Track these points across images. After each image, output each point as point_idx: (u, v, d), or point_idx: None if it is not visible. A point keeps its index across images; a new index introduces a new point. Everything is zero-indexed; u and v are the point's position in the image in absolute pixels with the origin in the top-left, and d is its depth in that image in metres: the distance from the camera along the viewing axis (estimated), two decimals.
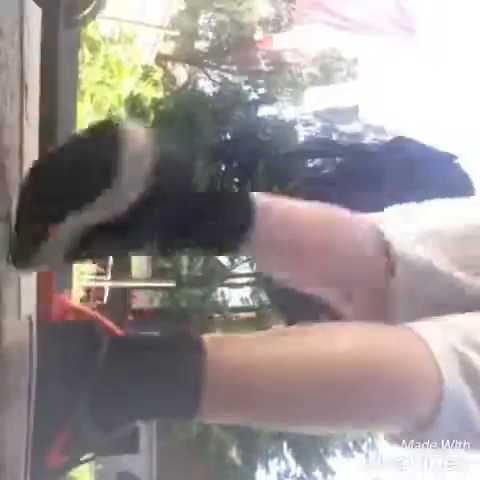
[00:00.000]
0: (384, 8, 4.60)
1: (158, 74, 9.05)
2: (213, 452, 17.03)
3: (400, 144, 4.15)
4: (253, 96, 19.65)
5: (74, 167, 0.92)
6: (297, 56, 18.00)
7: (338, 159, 4.52)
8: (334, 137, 18.87)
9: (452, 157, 4.27)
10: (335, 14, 4.57)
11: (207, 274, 17.80)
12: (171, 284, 12.89)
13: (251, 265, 18.56)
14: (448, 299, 1.09)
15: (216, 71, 20.30)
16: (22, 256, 0.97)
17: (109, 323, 1.64)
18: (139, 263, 18.93)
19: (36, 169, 0.98)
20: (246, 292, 18.18)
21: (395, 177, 4.12)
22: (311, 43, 4.86)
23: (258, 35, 17.81)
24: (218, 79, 20.29)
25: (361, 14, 4.60)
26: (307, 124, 19.14)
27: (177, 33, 12.63)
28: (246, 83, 19.76)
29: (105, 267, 10.18)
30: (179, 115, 15.95)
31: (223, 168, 16.86)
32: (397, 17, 4.55)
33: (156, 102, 13.39)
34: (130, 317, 16.18)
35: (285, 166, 16.04)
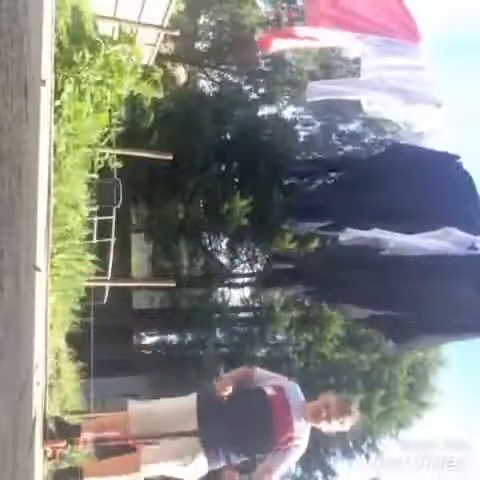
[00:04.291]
0: (388, 8, 4.60)
1: (158, 74, 9.02)
2: None
3: (393, 154, 4.18)
4: (253, 96, 19.66)
5: None
6: (297, 53, 18.00)
7: (336, 173, 4.59)
8: (334, 137, 18.89)
9: (453, 157, 4.29)
10: (338, 10, 4.58)
11: (207, 274, 17.80)
12: (171, 284, 12.87)
13: (251, 265, 18.59)
14: None
15: (216, 71, 20.30)
16: None
17: None
18: (139, 263, 18.93)
19: None
20: (246, 292, 18.19)
21: (392, 187, 4.15)
22: (312, 42, 4.84)
23: (258, 36, 17.81)
24: (218, 79, 20.29)
25: (365, 12, 4.60)
26: (307, 124, 19.15)
27: (177, 33, 12.60)
28: (246, 83, 19.76)
29: (105, 267, 10.15)
30: (179, 115, 15.95)
31: (223, 168, 16.86)
32: (401, 17, 4.56)
33: (156, 102, 13.38)
34: None
35: (285, 166, 16.04)
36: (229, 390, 3.99)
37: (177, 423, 3.91)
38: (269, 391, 4.04)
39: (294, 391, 4.16)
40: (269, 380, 4.17)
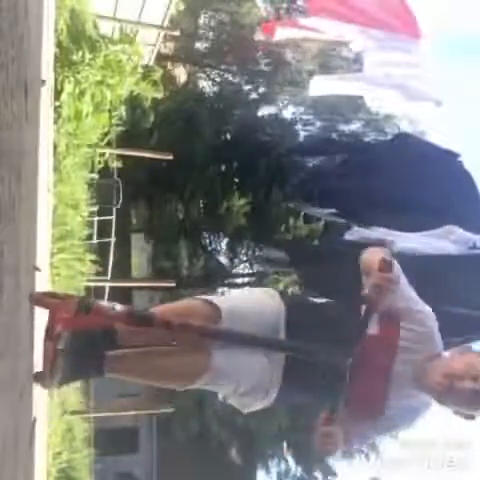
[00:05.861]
0: (389, 5, 4.62)
1: (158, 74, 9.02)
2: (213, 452, 17.03)
3: (402, 141, 4.19)
4: (253, 96, 19.66)
5: None
6: (297, 53, 17.98)
7: (339, 156, 4.54)
8: (334, 136, 18.90)
9: (454, 155, 4.30)
10: (339, 4, 4.59)
11: (207, 274, 17.80)
12: (171, 284, 12.87)
13: (251, 265, 18.58)
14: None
15: (216, 71, 20.30)
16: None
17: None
18: (139, 263, 18.93)
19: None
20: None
21: (398, 174, 4.16)
22: (315, 34, 4.84)
23: (258, 36, 17.79)
24: (218, 79, 20.29)
25: (367, 8, 4.62)
26: (307, 124, 19.16)
27: (177, 33, 12.60)
28: (246, 83, 19.77)
29: (105, 267, 10.15)
30: (179, 115, 15.95)
31: (223, 168, 16.86)
32: (403, 15, 4.58)
33: (156, 102, 13.38)
34: None
35: (285, 166, 16.05)
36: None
37: (265, 329, 2.40)
38: (372, 329, 2.29)
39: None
40: (406, 297, 2.37)
